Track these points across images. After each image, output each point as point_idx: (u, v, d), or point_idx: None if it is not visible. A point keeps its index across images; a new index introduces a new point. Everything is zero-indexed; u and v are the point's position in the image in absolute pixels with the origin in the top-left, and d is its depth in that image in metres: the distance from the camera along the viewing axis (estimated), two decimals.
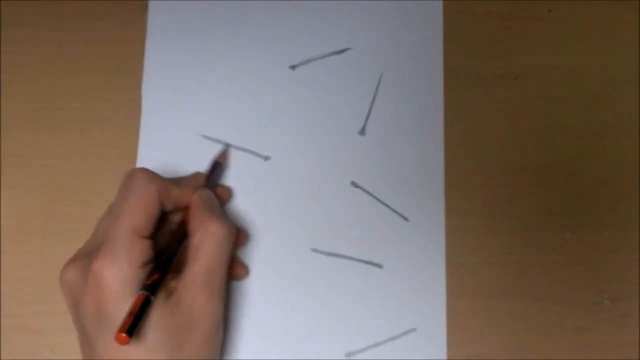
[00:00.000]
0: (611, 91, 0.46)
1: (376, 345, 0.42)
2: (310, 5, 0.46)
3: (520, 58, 0.46)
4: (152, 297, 0.34)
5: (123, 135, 0.44)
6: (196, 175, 0.42)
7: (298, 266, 0.43)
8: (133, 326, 0.32)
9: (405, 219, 0.44)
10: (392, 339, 0.42)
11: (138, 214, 0.36)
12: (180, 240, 0.38)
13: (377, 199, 0.44)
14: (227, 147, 0.44)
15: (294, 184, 0.44)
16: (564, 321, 0.43)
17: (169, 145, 0.44)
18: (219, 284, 0.36)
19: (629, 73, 0.47)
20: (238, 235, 0.40)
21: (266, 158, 0.44)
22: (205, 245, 0.36)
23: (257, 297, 0.42)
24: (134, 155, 0.44)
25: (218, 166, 0.43)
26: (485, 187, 0.44)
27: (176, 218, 0.40)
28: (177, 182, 0.39)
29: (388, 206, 0.44)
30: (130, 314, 0.33)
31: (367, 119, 0.45)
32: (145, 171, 0.37)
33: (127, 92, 0.45)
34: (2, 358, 0.42)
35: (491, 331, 0.43)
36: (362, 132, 0.45)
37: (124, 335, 0.32)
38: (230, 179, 0.44)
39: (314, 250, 0.43)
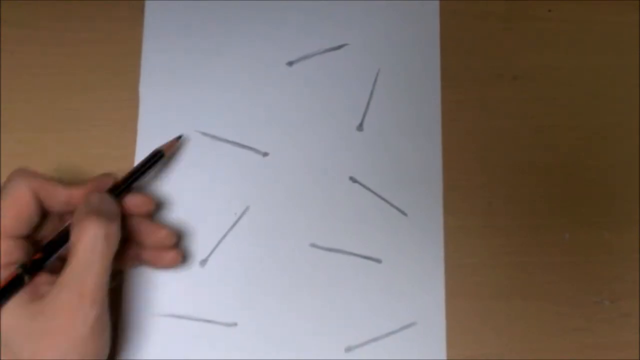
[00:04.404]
0: (611, 91, 0.46)
1: (376, 339, 0.42)
2: (307, 2, 0.46)
3: (519, 58, 0.46)
4: (27, 278, 0.34)
5: (122, 135, 0.44)
6: (104, 175, 0.39)
7: (297, 261, 0.43)
8: None
9: (404, 213, 0.44)
10: (391, 333, 0.42)
11: (5, 213, 0.35)
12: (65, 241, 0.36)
13: (376, 194, 0.44)
14: (179, 137, 0.43)
15: (292, 180, 0.44)
16: (563, 321, 0.43)
17: None
18: (92, 286, 0.34)
19: (629, 73, 0.47)
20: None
21: (265, 154, 0.44)
22: (77, 245, 0.34)
23: (256, 292, 0.42)
24: (132, 155, 0.44)
25: (157, 157, 0.41)
26: (484, 187, 0.44)
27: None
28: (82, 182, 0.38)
29: (386, 201, 0.44)
30: None
31: (364, 114, 0.45)
32: (22, 171, 0.36)
33: (126, 91, 0.45)
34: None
35: (491, 331, 0.42)
36: (360, 127, 0.45)
37: None
38: (229, 176, 0.44)
39: (313, 245, 0.43)
